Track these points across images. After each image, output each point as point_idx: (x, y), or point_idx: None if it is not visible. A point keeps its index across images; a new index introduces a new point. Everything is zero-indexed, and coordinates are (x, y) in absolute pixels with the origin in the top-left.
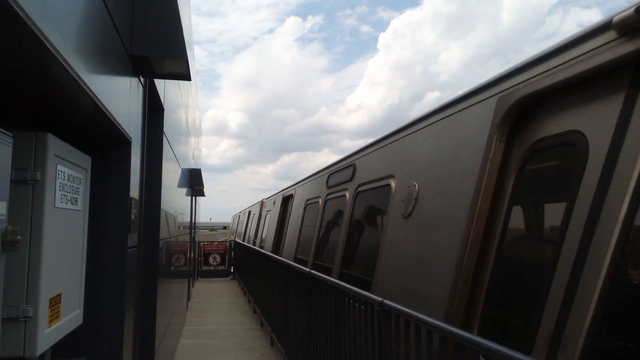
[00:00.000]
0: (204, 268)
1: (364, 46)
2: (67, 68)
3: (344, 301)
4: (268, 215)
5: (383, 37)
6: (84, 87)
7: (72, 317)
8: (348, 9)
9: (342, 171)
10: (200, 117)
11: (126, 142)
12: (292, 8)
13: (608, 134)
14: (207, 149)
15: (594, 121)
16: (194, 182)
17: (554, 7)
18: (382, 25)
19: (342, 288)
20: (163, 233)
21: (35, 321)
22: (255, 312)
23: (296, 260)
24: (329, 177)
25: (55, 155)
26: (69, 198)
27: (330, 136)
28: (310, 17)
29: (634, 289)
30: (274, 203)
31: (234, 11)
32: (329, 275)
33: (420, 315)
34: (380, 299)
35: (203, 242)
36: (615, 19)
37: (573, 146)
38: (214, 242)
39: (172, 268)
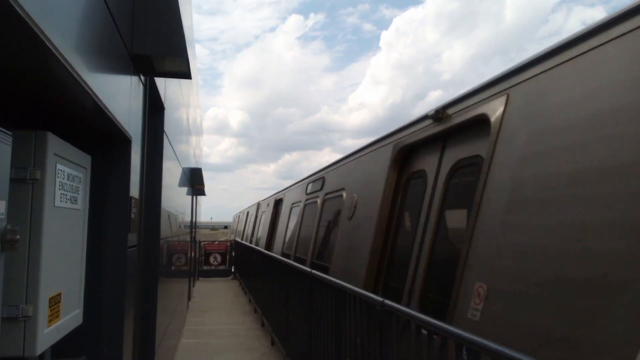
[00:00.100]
0: (205, 268)
1: (366, 44)
2: (68, 67)
3: (345, 301)
4: (263, 216)
5: (385, 36)
6: (84, 86)
7: (71, 316)
8: (350, 7)
9: (316, 182)
10: (201, 115)
11: (126, 141)
12: (294, 6)
13: (434, 172)
14: (208, 147)
15: (429, 164)
16: (194, 181)
17: (558, 6)
18: (384, 24)
19: (342, 288)
20: (163, 232)
21: (35, 321)
22: (256, 311)
23: (283, 254)
24: (307, 185)
25: (55, 154)
26: (68, 197)
27: (332, 135)
28: (312, 15)
29: (447, 267)
30: (268, 205)
31: (236, 9)
32: (304, 264)
33: (421, 316)
34: (381, 299)
35: (204, 241)
36: (429, 114)
37: (423, 178)
38: (215, 241)
39: (173, 267)
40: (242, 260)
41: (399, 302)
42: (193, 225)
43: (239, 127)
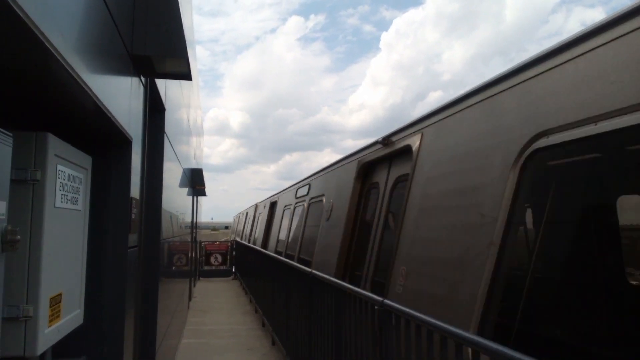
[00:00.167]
0: (206, 268)
1: (366, 45)
2: (68, 68)
3: (344, 301)
4: (260, 217)
5: (385, 37)
6: (85, 87)
7: (72, 316)
8: (350, 8)
9: (303, 187)
10: (202, 116)
11: (127, 142)
12: (294, 7)
13: (384, 184)
14: (209, 148)
15: (381, 178)
16: (195, 181)
17: (558, 6)
18: (384, 25)
19: (342, 288)
20: (164, 233)
21: (36, 321)
22: (256, 312)
23: (276, 252)
24: (296, 190)
25: (56, 155)
26: (69, 198)
27: (332, 136)
28: (312, 17)
29: (387, 256)
30: (264, 207)
31: (237, 10)
32: (293, 260)
33: (421, 315)
34: (380, 299)
35: (205, 241)
36: (379, 140)
37: (377, 188)
38: (216, 242)
39: (174, 268)
40: (243, 261)
41: (358, 285)
42: (194, 226)
43: (239, 128)
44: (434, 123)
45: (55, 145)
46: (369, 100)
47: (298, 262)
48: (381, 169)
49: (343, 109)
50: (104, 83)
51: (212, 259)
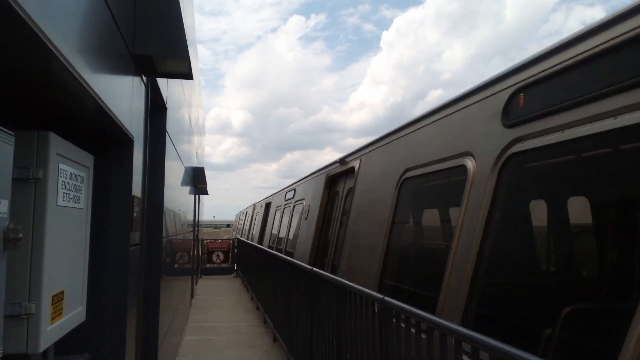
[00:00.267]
0: (208, 266)
1: (367, 45)
2: (69, 68)
3: (345, 298)
4: (257, 216)
5: (386, 36)
6: (86, 86)
7: (74, 314)
8: (351, 8)
9: (290, 192)
10: (203, 115)
11: (128, 141)
12: (295, 7)
13: (341, 193)
14: (211, 147)
15: (340, 188)
16: (197, 180)
17: (558, 5)
18: (385, 24)
19: (343, 285)
20: (166, 231)
21: (38, 318)
22: (258, 309)
23: (269, 246)
24: (285, 194)
25: (58, 153)
26: (71, 196)
27: (333, 134)
28: (313, 16)
29: (340, 247)
30: (261, 207)
31: (238, 10)
32: (281, 252)
33: (421, 312)
34: (381, 296)
35: (206, 240)
36: (338, 160)
37: (337, 196)
38: (218, 240)
39: (176, 266)
40: (245, 258)
41: (323, 268)
42: (196, 224)
43: (241, 127)
44: (367, 153)
45: (57, 144)
46: (369, 99)
47: (285, 254)
48: (340, 181)
49: (344, 108)
50: (106, 83)
51: (214, 257)
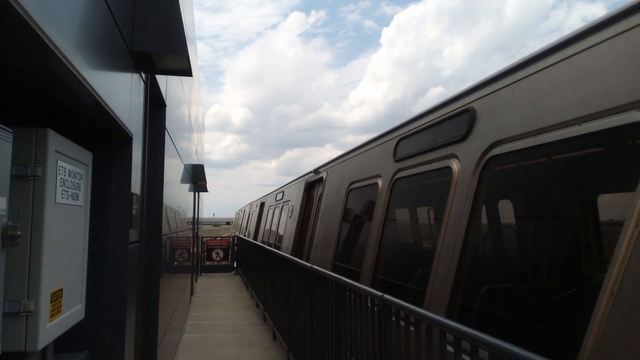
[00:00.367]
0: (207, 263)
1: (367, 41)
2: (68, 65)
3: (345, 296)
4: (253, 214)
5: (386, 32)
6: (85, 83)
7: (73, 311)
8: (351, 4)
9: (280, 193)
10: (203, 112)
11: (127, 138)
12: (295, 3)
13: (315, 198)
14: (211, 144)
15: (315, 193)
16: (196, 177)
17: (558, 2)
18: (385, 20)
19: (343, 283)
20: (165, 228)
21: (37, 316)
22: (258, 307)
23: (263, 242)
24: (276, 195)
25: (56, 151)
26: (70, 194)
27: (333, 132)
28: (313, 12)
29: (313, 239)
30: (257, 206)
31: (238, 6)
32: (272, 247)
33: (420, 310)
34: (380, 293)
35: (206, 237)
36: (313, 170)
37: (312, 200)
38: (217, 237)
39: (175, 263)
40: (244, 256)
41: (301, 257)
42: (195, 222)
43: (241, 124)
44: (331, 167)
45: (55, 141)
46: (370, 96)
47: (274, 248)
48: (314, 187)
49: (344, 105)
50: (105, 79)
51: (214, 255)
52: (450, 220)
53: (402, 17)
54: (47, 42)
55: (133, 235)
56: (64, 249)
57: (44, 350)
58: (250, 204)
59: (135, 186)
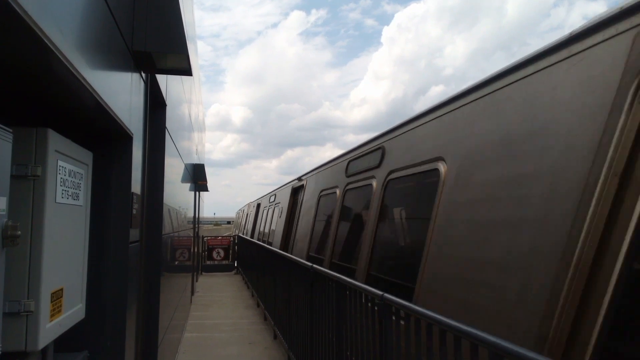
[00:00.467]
0: (208, 262)
1: (368, 40)
2: (67, 65)
3: (346, 295)
4: (251, 214)
5: (387, 31)
6: (85, 83)
7: (74, 311)
8: (352, 3)
9: (272, 196)
10: (203, 112)
11: (128, 138)
12: (296, 2)
13: (299, 201)
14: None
15: (298, 197)
16: (197, 177)
17: (559, 0)
18: (386, 19)
19: (343, 282)
20: (166, 228)
21: (37, 315)
22: (258, 306)
23: (258, 239)
24: (269, 197)
25: (56, 150)
26: (70, 193)
27: (334, 130)
28: (314, 11)
29: (295, 234)
30: (253, 207)
31: (238, 5)
32: (265, 243)
33: (420, 309)
34: (380, 292)
35: (207, 237)
36: (297, 178)
37: (297, 203)
38: (218, 236)
39: (176, 263)
40: (245, 255)
41: (286, 250)
42: (196, 221)
43: (241, 123)
44: (310, 176)
45: (55, 140)
46: (370, 95)
47: (267, 244)
48: (297, 192)
49: (345, 104)
50: (104, 79)
51: (215, 254)
52: (371, 217)
53: (403, 15)
54: (47, 42)
55: (133, 234)
56: (64, 248)
57: (44, 350)
58: (248, 205)
59: (136, 186)
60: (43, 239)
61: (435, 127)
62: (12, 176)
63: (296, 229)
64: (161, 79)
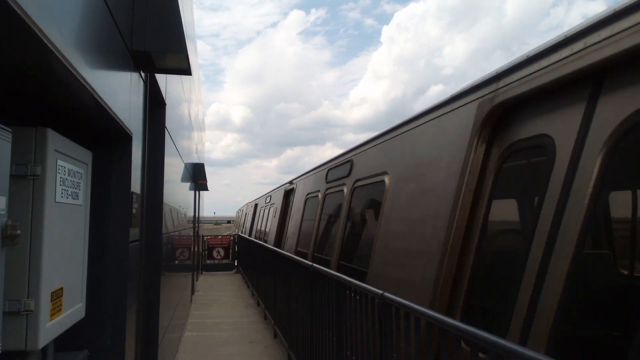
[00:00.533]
0: (208, 262)
1: (368, 39)
2: (67, 64)
3: (345, 294)
4: (249, 214)
5: (387, 30)
6: (84, 82)
7: (74, 310)
8: (351, 2)
9: (268, 197)
10: (203, 111)
11: (127, 137)
12: (295, 1)
13: (290, 202)
14: (211, 143)
15: (291, 199)
16: (197, 176)
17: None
18: (385, 18)
19: (343, 281)
20: (165, 227)
21: (37, 315)
22: (258, 305)
23: (256, 238)
24: (265, 198)
25: (56, 150)
26: (69, 193)
27: (333, 130)
28: (313, 11)
29: (282, 231)
30: (251, 207)
31: (238, 5)
32: (262, 241)
33: (420, 308)
34: (380, 292)
35: (207, 236)
36: (288, 182)
37: (289, 204)
38: (218, 236)
39: (176, 262)
40: (245, 254)
41: (279, 246)
42: (196, 220)
43: (241, 123)
44: (299, 180)
45: (55, 140)
46: (370, 95)
47: (263, 241)
48: (289, 194)
49: (344, 103)
50: (104, 79)
51: (215, 253)
52: (342, 217)
53: (403, 15)
54: (46, 41)
55: (133, 234)
56: (64, 248)
57: (44, 349)
58: (247, 204)
59: (135, 185)
60: (43, 238)
61: (382, 148)
62: (11, 176)
63: (287, 227)
64: (161, 78)
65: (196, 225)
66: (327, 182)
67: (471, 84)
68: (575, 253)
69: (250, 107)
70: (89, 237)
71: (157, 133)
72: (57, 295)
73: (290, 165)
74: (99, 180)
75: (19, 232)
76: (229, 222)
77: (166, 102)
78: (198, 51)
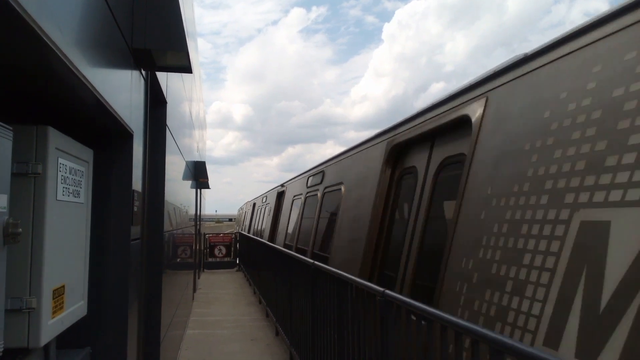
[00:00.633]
0: (210, 260)
1: (369, 37)
2: (67, 63)
3: (346, 292)
4: (247, 212)
5: (388, 28)
6: (84, 81)
7: (76, 308)
8: (352, 0)
9: (265, 197)
10: (204, 109)
11: (128, 135)
12: None
13: (283, 202)
14: (212, 141)
15: (281, 201)
16: (198, 174)
17: None
18: (386, 16)
19: (344, 279)
20: (167, 225)
21: (39, 312)
22: (260, 302)
23: (254, 234)
24: (262, 198)
25: (57, 148)
26: (71, 191)
27: (335, 128)
28: (314, 8)
29: (276, 229)
30: (250, 205)
31: (238, 3)
32: (259, 237)
33: (422, 305)
34: (381, 289)
35: (208, 234)
36: (280, 185)
37: (281, 204)
38: (220, 234)
39: (177, 260)
40: (247, 252)
41: (272, 241)
42: (198, 218)
43: (242, 121)
44: (289, 184)
45: (55, 138)
46: (371, 92)
47: (259, 237)
48: (282, 196)
49: (345, 101)
50: (104, 77)
51: (216, 251)
52: (316, 216)
53: (404, 12)
54: (46, 40)
55: (135, 232)
56: (66, 246)
57: (46, 347)
58: (247, 203)
59: (137, 183)
60: (44, 236)
61: (341, 164)
62: (12, 174)
63: (279, 225)
64: (161, 76)
65: (198, 223)
66: (307, 187)
67: (384, 129)
68: (423, 233)
69: (251, 105)
70: (90, 235)
71: (158, 131)
72: (59, 293)
73: (291, 163)
74: (100, 178)
75: (20, 230)
76: (230, 220)
77: (167, 100)
78: (199, 49)
